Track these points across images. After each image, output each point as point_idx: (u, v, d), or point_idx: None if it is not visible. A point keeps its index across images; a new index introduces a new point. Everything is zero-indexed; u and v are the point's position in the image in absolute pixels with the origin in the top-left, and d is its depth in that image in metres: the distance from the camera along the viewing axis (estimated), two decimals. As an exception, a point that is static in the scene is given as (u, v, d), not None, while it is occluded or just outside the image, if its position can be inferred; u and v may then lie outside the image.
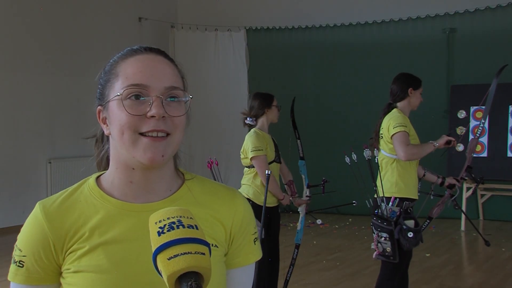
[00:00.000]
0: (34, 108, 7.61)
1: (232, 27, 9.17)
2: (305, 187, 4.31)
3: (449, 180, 3.96)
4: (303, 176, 4.34)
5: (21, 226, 1.19)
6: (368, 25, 8.69)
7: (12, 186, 7.37)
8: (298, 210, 4.31)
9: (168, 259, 0.87)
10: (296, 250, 4.32)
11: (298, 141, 4.42)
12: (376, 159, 3.81)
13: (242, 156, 4.09)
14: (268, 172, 3.81)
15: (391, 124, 3.69)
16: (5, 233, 6.81)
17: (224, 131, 8.81)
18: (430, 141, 3.75)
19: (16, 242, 1.16)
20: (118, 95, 1.11)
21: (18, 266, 1.14)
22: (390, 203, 3.65)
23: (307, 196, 4.29)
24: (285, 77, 8.99)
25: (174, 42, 9.31)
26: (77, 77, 7.80)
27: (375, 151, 3.81)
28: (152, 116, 1.09)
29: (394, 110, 3.80)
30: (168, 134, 1.12)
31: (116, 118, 1.12)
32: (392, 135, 3.66)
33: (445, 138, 3.79)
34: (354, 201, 4.45)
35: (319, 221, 4.84)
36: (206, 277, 0.89)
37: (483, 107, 5.00)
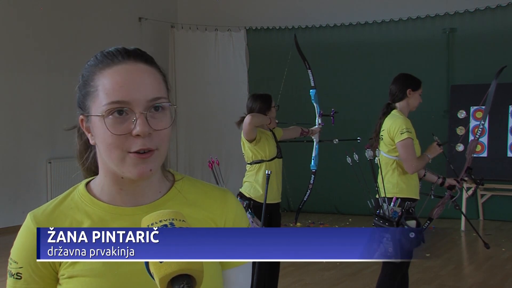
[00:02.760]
0: (34, 108, 7.60)
1: (232, 27, 9.16)
2: (317, 115, 4.64)
3: (450, 181, 3.96)
4: (315, 105, 4.53)
5: (21, 226, 1.19)
6: (368, 25, 8.68)
7: (12, 186, 7.36)
8: (313, 138, 4.65)
9: (160, 262, 0.87)
10: (312, 175, 4.61)
11: (309, 71, 4.74)
12: (376, 160, 3.81)
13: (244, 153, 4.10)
14: (268, 172, 3.83)
15: (399, 129, 3.67)
16: (5, 233, 6.80)
17: (224, 131, 8.80)
18: (425, 153, 3.76)
19: (10, 256, 1.15)
20: (99, 115, 1.10)
21: (16, 278, 1.13)
22: (392, 203, 3.65)
23: (319, 124, 4.64)
24: (285, 77, 8.98)
25: (174, 42, 9.31)
26: (77, 77, 7.76)
27: (377, 151, 3.81)
28: (137, 135, 1.08)
29: (395, 111, 3.80)
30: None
31: (100, 135, 1.11)
32: (400, 141, 3.66)
33: (438, 151, 3.82)
34: (358, 138, 4.86)
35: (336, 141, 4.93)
36: (199, 279, 0.89)
37: (483, 107, 5.00)
